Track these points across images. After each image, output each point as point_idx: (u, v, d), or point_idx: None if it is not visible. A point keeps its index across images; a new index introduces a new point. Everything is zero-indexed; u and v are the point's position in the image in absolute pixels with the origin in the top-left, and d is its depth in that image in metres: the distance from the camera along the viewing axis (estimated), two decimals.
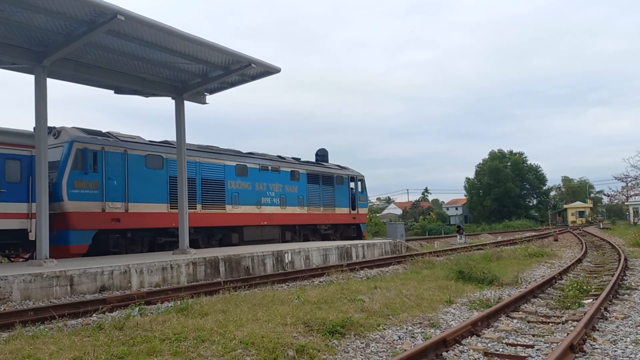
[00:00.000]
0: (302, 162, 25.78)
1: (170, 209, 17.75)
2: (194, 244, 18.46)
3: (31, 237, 14.34)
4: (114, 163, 16.36)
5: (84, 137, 16.00)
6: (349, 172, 28.35)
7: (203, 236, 19.59)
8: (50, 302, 10.12)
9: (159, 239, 17.78)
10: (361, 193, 28.83)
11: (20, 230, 14.38)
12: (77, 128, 16.38)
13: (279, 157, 24.62)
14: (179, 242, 16.14)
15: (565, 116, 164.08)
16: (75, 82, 15.11)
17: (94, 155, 15.92)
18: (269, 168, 22.68)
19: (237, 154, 21.93)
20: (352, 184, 28.08)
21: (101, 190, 15.92)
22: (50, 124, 13.22)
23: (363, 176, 29.34)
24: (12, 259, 16.03)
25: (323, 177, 25.89)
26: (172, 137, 17.55)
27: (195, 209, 18.70)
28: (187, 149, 17.92)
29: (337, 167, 28.07)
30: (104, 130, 17.40)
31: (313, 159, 28.00)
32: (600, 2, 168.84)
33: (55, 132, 15.81)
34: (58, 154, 15.34)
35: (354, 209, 27.80)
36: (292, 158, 25.62)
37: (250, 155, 22.62)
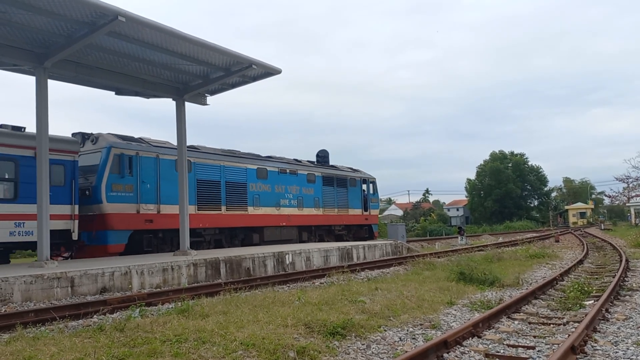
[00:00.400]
0: (317, 164, 26.80)
1: (198, 210, 18.79)
2: (218, 244, 19.76)
3: (74, 236, 15.42)
4: (147, 167, 17.42)
5: (121, 143, 17.02)
6: (361, 174, 29.24)
7: (226, 236, 20.44)
8: (51, 303, 10.13)
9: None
10: (373, 195, 29.75)
11: (65, 230, 15.28)
12: (112, 134, 17.25)
13: (296, 160, 25.61)
14: (204, 242, 17.44)
15: (566, 116, 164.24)
16: (76, 84, 15.13)
17: (130, 160, 16.94)
18: (287, 171, 23.66)
19: (257, 157, 22.84)
20: (364, 186, 29.05)
21: (136, 192, 16.96)
22: (50, 125, 13.25)
23: (374, 178, 30.31)
24: (51, 257, 16.19)
25: (337, 180, 26.86)
26: (172, 138, 17.74)
27: (220, 210, 19.76)
28: (212, 154, 19.87)
29: (349, 170, 29.02)
30: (136, 136, 18.33)
31: (314, 160, 28.14)
32: (600, 2, 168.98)
33: (93, 138, 16.81)
34: (97, 159, 16.38)
35: (366, 210, 28.73)
36: (307, 161, 26.57)
37: (269, 158, 23.57)
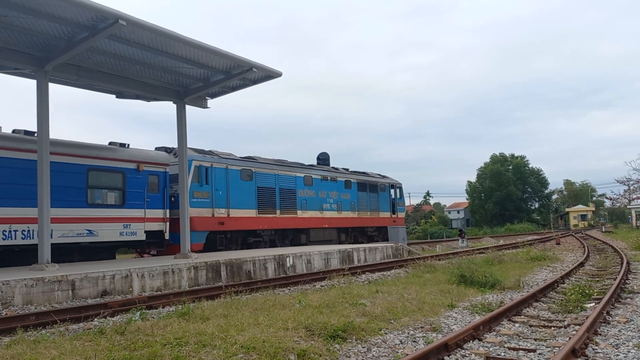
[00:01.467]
0: (352, 172, 29.15)
1: (258, 214, 21.40)
2: (272, 244, 22.19)
3: (166, 236, 17.95)
4: (219, 177, 19.85)
5: (199, 156, 19.39)
6: (389, 180, 31.84)
7: (279, 237, 22.79)
8: (52, 306, 10.13)
9: (249, 239, 21.12)
10: (399, 199, 32.52)
11: (159, 231, 17.77)
12: (191, 148, 18.91)
13: (334, 168, 28.27)
14: (262, 242, 20.21)
15: (567, 119, 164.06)
16: (77, 87, 15.15)
17: (206, 170, 19.41)
18: (328, 178, 26.26)
19: (303, 166, 25.34)
20: (392, 191, 31.69)
21: (211, 199, 19.32)
22: (51, 128, 13.29)
23: (401, 184, 33.00)
24: (142, 255, 19.07)
25: (369, 186, 29.42)
26: (171, 140, 17.78)
27: (275, 214, 22.27)
28: (268, 164, 22.53)
29: (379, 176, 31.55)
30: (206, 149, 20.67)
31: (314, 162, 28.38)
32: (600, 5, 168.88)
33: (175, 151, 18.36)
34: (166, 169, 18.46)
35: (394, 213, 31.41)
36: (343, 169, 28.97)
37: (312, 167, 26.20)
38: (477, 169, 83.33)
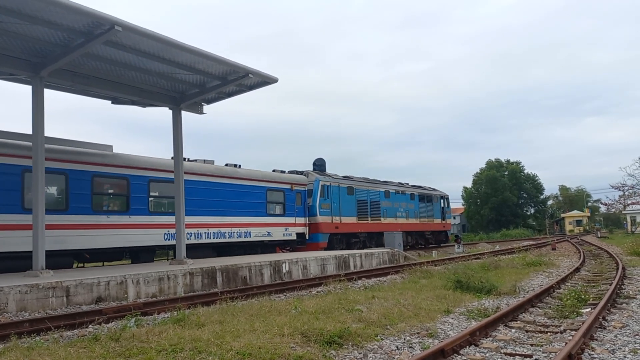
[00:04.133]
0: (412, 186, 35.98)
1: (357, 220, 27.90)
2: (364, 245, 28.17)
3: (307, 237, 24.47)
4: (334, 192, 26.28)
5: (322, 177, 25.95)
6: (439, 192, 38.94)
7: (369, 239, 29.01)
8: (46, 313, 10.06)
9: (351, 239, 27.39)
10: (447, 208, 39.48)
11: (302, 233, 24.27)
12: (314, 172, 26.37)
13: (400, 183, 34.82)
14: (359, 242, 27.22)
15: (562, 126, 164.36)
16: (72, 93, 15.13)
17: (327, 188, 25.94)
18: (400, 192, 33.08)
19: (381, 182, 31.88)
20: (442, 201, 38.40)
21: (331, 209, 25.74)
22: (47, 133, 13.24)
23: (448, 195, 40.35)
24: (282, 250, 24.27)
25: (426, 197, 36.04)
26: (166, 146, 17.86)
27: (367, 220, 28.74)
28: (361, 181, 29.66)
29: (432, 189, 38.48)
30: (326, 172, 27.82)
31: (311, 169, 28.78)
32: (592, 15, 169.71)
33: (306, 173, 25.82)
34: (311, 187, 25.13)
35: (443, 219, 38.28)
36: (406, 183, 35.79)
37: (387, 183, 32.66)
38: (473, 175, 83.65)
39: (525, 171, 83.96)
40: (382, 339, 7.29)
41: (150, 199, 18.12)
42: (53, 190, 15.75)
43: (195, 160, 20.42)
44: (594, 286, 13.46)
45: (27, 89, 13.26)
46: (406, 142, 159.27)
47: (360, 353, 6.58)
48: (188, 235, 18.34)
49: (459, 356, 6.49)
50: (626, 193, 55.42)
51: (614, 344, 7.02)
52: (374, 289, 13.12)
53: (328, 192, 25.75)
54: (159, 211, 18.42)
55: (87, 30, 11.71)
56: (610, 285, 12.48)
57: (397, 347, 6.94)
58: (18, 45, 12.16)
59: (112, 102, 16.41)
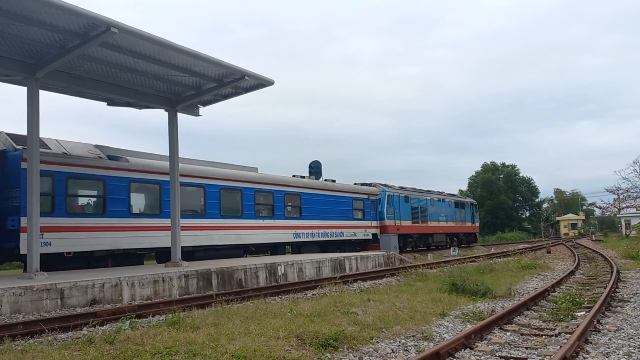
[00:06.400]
0: (448, 194, 41.83)
1: (412, 223, 33.16)
2: (416, 244, 33.86)
3: (379, 237, 29.62)
4: (396, 201, 31.67)
5: (388, 189, 31.30)
6: (470, 200, 45.42)
7: (419, 239, 34.34)
8: (40, 315, 10.01)
9: (407, 239, 32.58)
10: (476, 213, 45.10)
11: (375, 234, 29.49)
12: (379, 183, 31.36)
13: (438, 192, 40.01)
14: (413, 242, 33.59)
15: (555, 130, 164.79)
16: (68, 94, 15.05)
17: (391, 197, 31.27)
18: (441, 199, 38.24)
19: (429, 192, 37.48)
20: (472, 207, 43.95)
21: (394, 214, 31.10)
22: (42, 135, 13.21)
23: (476, 202, 46.71)
24: (359, 249, 28.25)
25: (460, 204, 41.55)
26: (161, 148, 17.78)
27: (419, 223, 34.02)
28: (412, 191, 34.89)
29: (463, 197, 46.12)
30: (386, 183, 32.81)
31: (307, 172, 29.00)
32: (582, 20, 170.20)
33: (374, 184, 30.93)
34: (379, 197, 30.31)
35: (473, 222, 43.76)
36: (444, 192, 41.42)
37: (430, 192, 37.99)
38: (469, 178, 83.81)
39: (521, 174, 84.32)
40: (377, 342, 7.28)
41: (287, 207, 23.87)
42: (199, 199, 19.71)
43: (314, 178, 27.42)
44: (588, 289, 13.50)
45: (21, 90, 13.23)
46: (400, 144, 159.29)
47: (355, 356, 6.58)
48: (306, 235, 24.46)
49: (454, 359, 6.50)
50: (621, 196, 55.71)
51: (609, 347, 7.04)
52: (369, 292, 13.12)
53: (392, 201, 31.15)
54: (291, 216, 23.92)
55: (83, 32, 11.68)
56: (605, 288, 12.52)
57: (392, 350, 6.94)
58: (13, 46, 12.12)
59: (108, 104, 16.37)
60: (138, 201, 17.67)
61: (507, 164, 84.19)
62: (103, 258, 16.55)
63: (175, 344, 6.62)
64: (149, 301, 11.91)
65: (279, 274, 16.38)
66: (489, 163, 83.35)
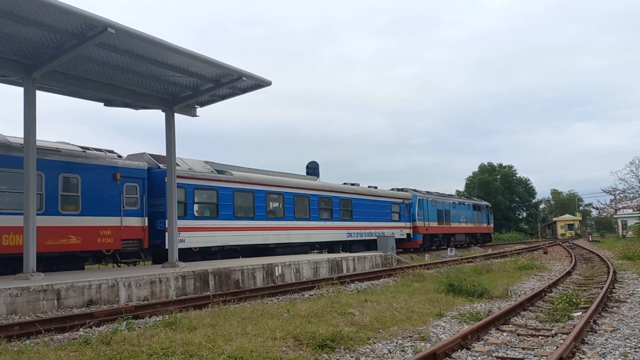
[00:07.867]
0: (466, 197, 48.77)
1: (438, 224, 36.99)
2: (440, 244, 37.25)
3: (411, 237, 33.53)
4: (425, 204, 35.31)
5: (418, 194, 35.01)
6: (485, 203, 49.44)
7: (443, 238, 38.02)
8: (37, 316, 9.99)
9: (434, 239, 36.60)
10: (491, 215, 49.21)
11: (408, 234, 33.28)
12: (410, 189, 35.19)
13: (459, 196, 45.43)
14: (438, 240, 37.79)
15: (552, 130, 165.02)
16: (65, 95, 15.01)
17: (421, 201, 34.94)
18: (461, 203, 42.53)
19: (451, 196, 43.10)
20: (487, 210, 47.99)
21: (423, 216, 34.78)
22: (38, 137, 13.19)
23: (491, 205, 51.35)
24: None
25: (477, 207, 45.83)
26: (158, 149, 17.83)
27: (443, 224, 37.85)
28: (436, 195, 39.15)
29: (479, 200, 50.50)
30: (414, 188, 36.53)
31: (304, 172, 29.05)
32: (579, 20, 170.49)
33: (406, 190, 34.94)
34: (411, 201, 34.07)
35: (488, 224, 47.90)
36: (464, 196, 48.58)
37: (452, 196, 43.24)
38: (466, 179, 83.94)
39: (518, 175, 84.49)
40: (374, 343, 7.29)
41: (342, 210, 27.60)
42: (279, 205, 23.43)
43: (358, 184, 30.62)
44: (585, 290, 13.54)
45: (17, 90, 13.20)
46: (398, 145, 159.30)
47: (352, 357, 6.58)
48: (356, 235, 28.25)
49: None
50: (617, 197, 55.81)
51: (605, 348, 7.06)
52: (366, 293, 13.12)
53: (422, 204, 34.95)
54: (345, 218, 27.56)
55: (80, 32, 11.65)
56: (601, 289, 12.55)
57: (389, 350, 6.94)
58: (10, 46, 12.08)
59: (105, 105, 16.33)
60: (239, 207, 21.38)
61: (504, 164, 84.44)
62: (215, 253, 20.19)
63: (172, 344, 6.62)
64: (146, 302, 11.89)
65: (276, 274, 16.38)
66: (486, 164, 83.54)
